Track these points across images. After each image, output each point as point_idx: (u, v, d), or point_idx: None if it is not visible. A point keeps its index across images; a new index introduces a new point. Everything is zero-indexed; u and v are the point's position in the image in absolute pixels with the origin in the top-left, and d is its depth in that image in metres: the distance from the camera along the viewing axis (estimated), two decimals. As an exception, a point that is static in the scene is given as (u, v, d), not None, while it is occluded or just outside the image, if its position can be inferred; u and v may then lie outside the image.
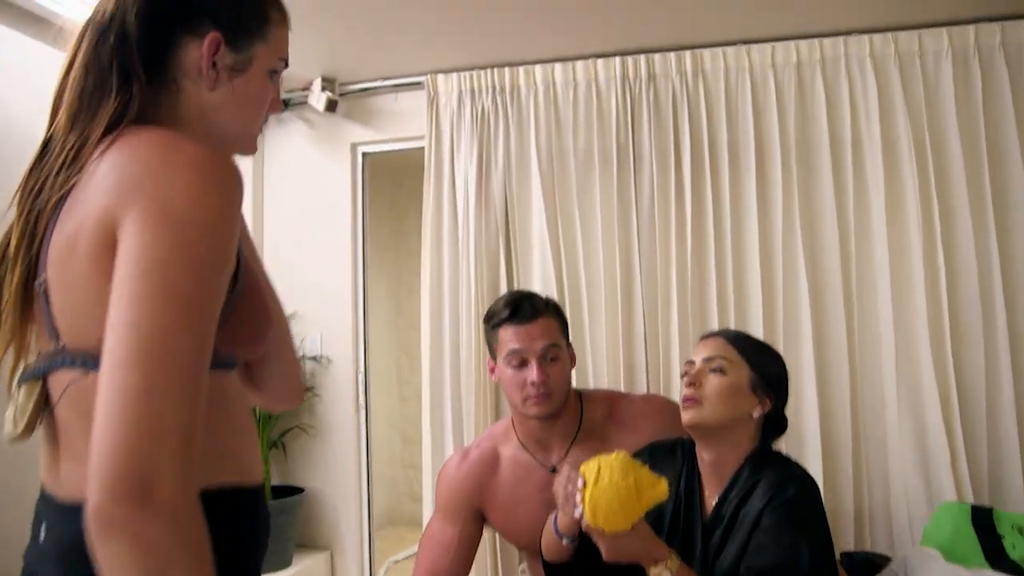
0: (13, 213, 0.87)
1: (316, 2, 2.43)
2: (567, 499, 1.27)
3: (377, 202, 4.38)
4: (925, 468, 2.56)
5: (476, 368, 2.87)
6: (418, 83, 3.03)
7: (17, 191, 0.87)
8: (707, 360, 1.43)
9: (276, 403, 1.13)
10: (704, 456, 1.42)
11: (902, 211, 2.61)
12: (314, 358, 3.24)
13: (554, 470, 1.70)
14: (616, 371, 2.79)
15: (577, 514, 1.24)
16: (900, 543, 2.57)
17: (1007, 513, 1.74)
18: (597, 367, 2.83)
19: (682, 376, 1.46)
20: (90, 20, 0.88)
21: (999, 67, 2.56)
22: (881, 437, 2.64)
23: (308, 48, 2.82)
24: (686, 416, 1.39)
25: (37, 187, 0.84)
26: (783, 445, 2.52)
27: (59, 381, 0.83)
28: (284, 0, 0.99)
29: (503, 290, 2.93)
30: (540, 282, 2.86)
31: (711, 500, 1.40)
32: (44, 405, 0.85)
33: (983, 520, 1.69)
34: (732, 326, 2.70)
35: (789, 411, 2.58)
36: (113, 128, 0.83)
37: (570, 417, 1.70)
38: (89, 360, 0.78)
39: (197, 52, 0.89)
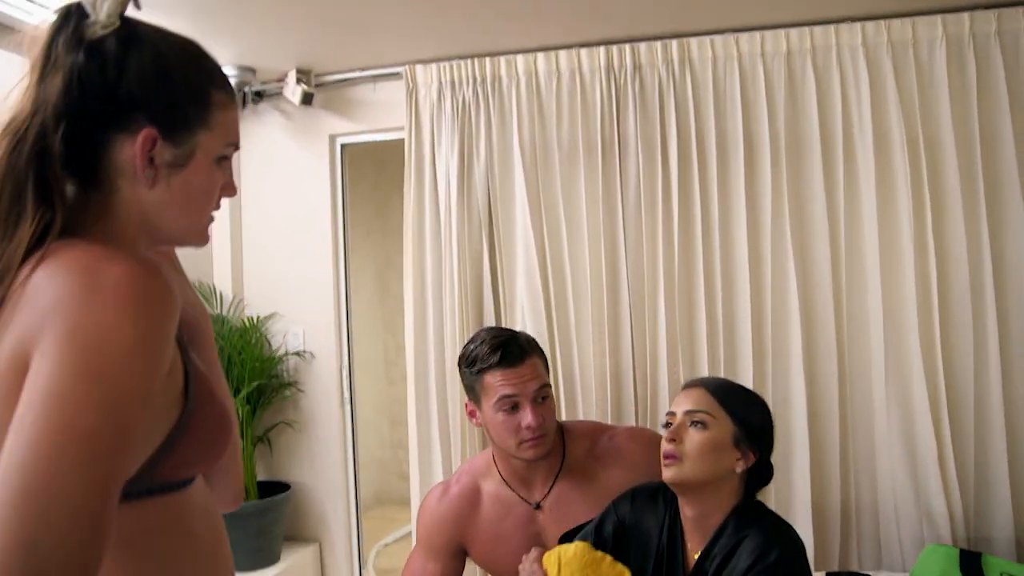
0: None
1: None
2: None
3: (361, 185, 4.32)
4: (913, 464, 2.55)
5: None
6: (396, 73, 2.94)
7: None
8: (688, 413, 1.39)
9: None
10: (686, 511, 1.39)
11: (893, 204, 2.56)
12: (297, 353, 3.20)
13: (538, 506, 1.67)
14: (602, 367, 2.76)
15: None
16: (886, 540, 2.59)
17: (996, 559, 1.72)
18: (583, 362, 2.80)
19: (664, 426, 1.42)
20: (6, 125, 0.80)
21: (994, 56, 2.48)
22: (869, 432, 2.63)
23: (282, 40, 2.73)
24: (667, 474, 1.36)
25: None
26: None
27: None
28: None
29: (487, 285, 2.89)
30: (524, 276, 2.82)
31: (693, 553, 1.38)
32: None
33: (971, 566, 1.67)
34: (719, 321, 2.68)
35: (779, 407, 2.62)
36: (38, 245, 0.76)
37: (553, 453, 1.67)
38: None
39: (131, 150, 0.81)
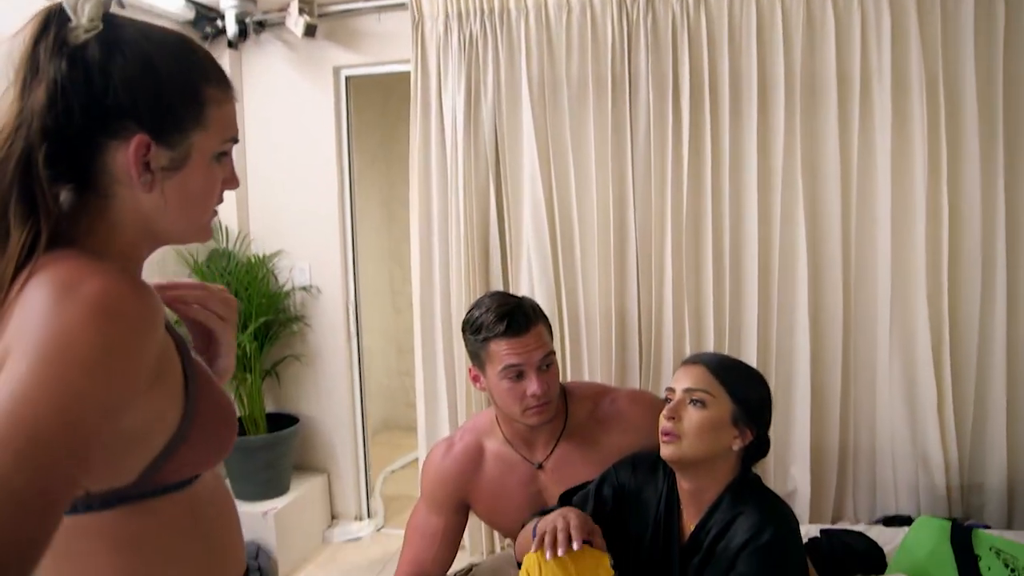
0: None
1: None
2: None
3: (367, 112, 4.24)
4: (912, 411, 2.58)
5: (464, 299, 2.84)
6: (402, 4, 2.84)
7: None
8: (687, 391, 1.38)
9: None
10: (683, 484, 1.41)
11: (908, 150, 2.50)
12: (304, 288, 3.22)
13: (540, 466, 1.70)
14: (607, 307, 2.77)
15: None
16: (882, 484, 2.63)
17: (986, 534, 1.74)
18: (588, 301, 2.80)
19: (663, 401, 1.43)
20: None
21: (1025, -2, 2.38)
22: (870, 379, 2.65)
23: (282, -32, 2.63)
24: (665, 451, 1.37)
25: None
26: (774, 381, 2.57)
27: None
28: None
29: (493, 223, 2.87)
30: (530, 214, 2.80)
31: (689, 525, 1.40)
32: None
33: (962, 539, 1.70)
34: (726, 263, 2.66)
35: (782, 352, 2.64)
36: (28, 259, 0.74)
37: (556, 415, 1.69)
38: None
39: (124, 157, 0.78)
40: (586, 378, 2.79)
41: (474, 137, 2.83)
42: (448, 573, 1.80)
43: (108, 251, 0.80)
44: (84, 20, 0.76)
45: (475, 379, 1.68)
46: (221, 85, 0.85)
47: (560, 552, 1.26)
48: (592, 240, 2.76)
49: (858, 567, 1.82)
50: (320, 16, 2.92)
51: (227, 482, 0.99)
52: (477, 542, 2.96)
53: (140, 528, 0.82)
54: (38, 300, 0.70)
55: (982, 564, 1.64)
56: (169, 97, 0.79)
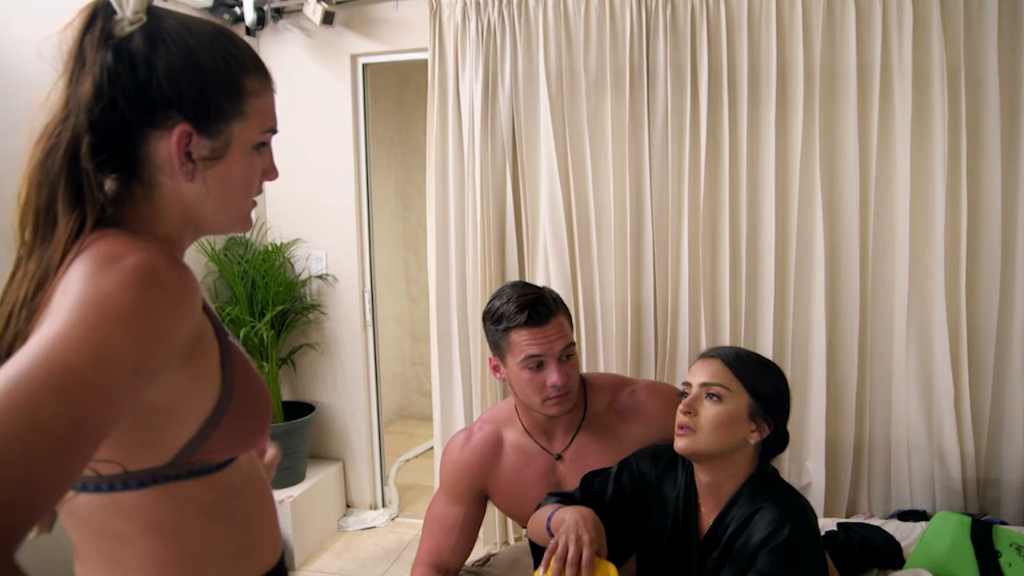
0: None
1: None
2: None
3: (383, 99, 4.24)
4: (928, 404, 2.57)
5: (481, 295, 2.86)
6: (419, -8, 2.84)
7: None
8: (704, 385, 1.38)
9: None
10: (701, 478, 1.41)
11: (928, 146, 2.48)
12: (320, 276, 3.23)
13: (559, 457, 1.70)
14: (623, 297, 2.77)
15: None
16: (897, 477, 2.63)
17: (1007, 530, 1.73)
18: (604, 292, 2.80)
19: (679, 395, 1.42)
20: (41, 131, 0.79)
21: (1050, -11, 2.35)
22: (887, 371, 2.64)
23: (300, -43, 2.63)
24: (680, 444, 1.36)
25: (4, 318, 0.78)
26: (789, 374, 2.57)
27: None
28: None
29: (509, 213, 2.87)
30: (547, 204, 2.79)
31: (707, 519, 1.40)
32: None
33: (982, 535, 1.69)
34: (743, 255, 2.66)
35: (798, 343, 2.63)
36: (74, 243, 0.76)
37: (575, 406, 1.69)
38: None
39: (167, 147, 0.80)
40: (601, 369, 2.79)
41: (491, 126, 2.82)
42: (466, 563, 1.81)
43: (151, 236, 0.82)
44: (129, 13, 0.78)
45: (495, 369, 1.69)
46: (260, 76, 0.86)
47: None
48: (609, 231, 2.76)
49: (875, 561, 1.82)
50: (338, 3, 2.92)
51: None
52: (491, 533, 2.98)
53: (175, 511, 0.83)
54: (81, 271, 0.72)
55: (1002, 560, 1.63)
56: (210, 88, 0.81)
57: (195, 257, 3.00)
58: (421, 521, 3.27)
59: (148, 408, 0.76)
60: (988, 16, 2.37)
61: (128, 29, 0.78)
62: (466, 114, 2.84)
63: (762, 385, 1.37)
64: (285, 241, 3.19)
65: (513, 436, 1.74)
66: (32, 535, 0.86)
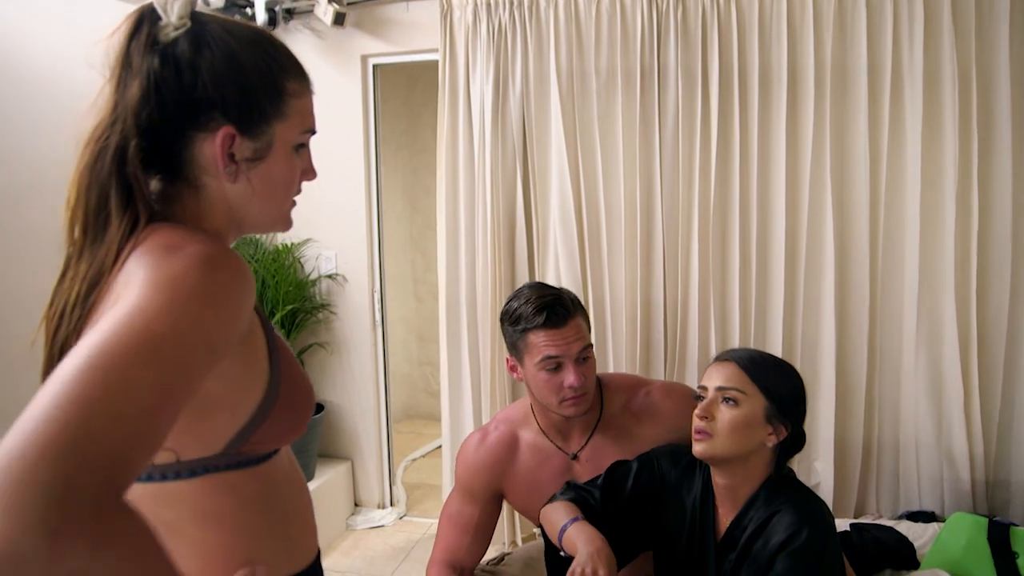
0: (42, 336, 0.85)
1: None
2: None
3: (392, 100, 4.25)
4: (937, 405, 2.57)
5: (491, 295, 2.86)
6: (431, -7, 2.84)
7: (43, 316, 0.85)
8: (720, 389, 1.38)
9: None
10: (718, 480, 1.41)
11: (939, 147, 2.48)
12: (330, 276, 3.24)
13: (574, 457, 1.71)
14: (633, 297, 2.78)
15: None
16: (905, 477, 2.63)
17: (1024, 531, 1.74)
18: (614, 292, 2.81)
19: (695, 399, 1.43)
20: (90, 134, 0.81)
21: (1062, -10, 2.36)
22: (896, 372, 2.64)
23: (313, -42, 2.64)
24: (697, 448, 1.37)
25: (57, 317, 0.81)
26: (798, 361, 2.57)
27: None
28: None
29: (520, 213, 2.88)
30: (558, 205, 2.80)
31: (724, 521, 1.41)
32: None
33: (999, 536, 1.69)
34: (753, 256, 2.66)
35: (807, 343, 2.63)
36: (128, 237, 0.78)
37: (591, 407, 1.69)
38: None
39: (211, 148, 0.82)
40: (611, 368, 2.80)
41: (502, 127, 2.83)
42: (481, 562, 1.82)
43: (200, 231, 0.84)
44: (174, 18, 0.80)
45: (512, 369, 1.69)
46: (299, 78, 0.88)
47: None
48: (619, 231, 2.77)
49: (889, 562, 1.83)
50: (349, 4, 2.93)
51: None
52: (499, 533, 2.97)
53: (223, 502, 0.85)
54: (144, 259, 0.75)
55: (1020, 561, 1.64)
56: (253, 90, 0.83)
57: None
58: (429, 520, 3.32)
59: (204, 396, 0.77)
60: (999, 17, 2.38)
61: (173, 34, 0.80)
62: (477, 115, 2.85)
63: (778, 387, 1.38)
64: (295, 241, 3.20)
65: (529, 436, 1.75)
66: None
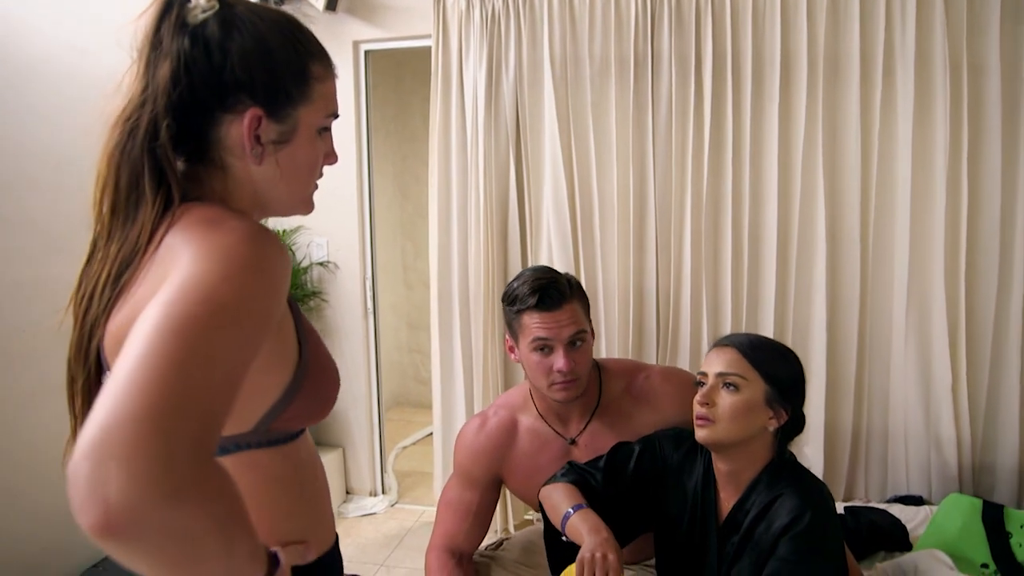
0: (70, 319, 0.85)
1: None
2: None
3: (381, 87, 4.22)
4: (926, 391, 2.60)
5: (483, 283, 2.87)
6: (423, -21, 2.83)
7: (71, 299, 0.85)
8: (720, 375, 1.39)
9: None
10: (720, 466, 1.42)
11: (929, 135, 2.50)
12: (321, 263, 3.22)
13: (573, 442, 1.72)
14: (626, 284, 2.79)
15: None
16: (893, 463, 2.66)
17: (1019, 512, 1.77)
18: (607, 279, 2.82)
19: (696, 385, 1.44)
20: (119, 114, 0.81)
21: (1052, -22, 2.38)
22: (885, 359, 2.67)
23: (305, -58, 2.61)
24: (699, 434, 1.38)
25: (86, 299, 0.81)
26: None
27: None
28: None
29: (513, 200, 2.88)
30: (551, 192, 2.80)
31: (726, 504, 1.42)
32: None
33: (993, 517, 1.72)
34: (745, 243, 2.68)
35: (799, 330, 2.65)
36: (161, 220, 0.79)
37: (589, 392, 1.70)
38: None
39: (238, 130, 0.82)
40: (603, 355, 2.81)
41: (495, 114, 2.83)
42: (480, 547, 1.83)
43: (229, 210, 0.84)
44: (203, 0, 0.80)
45: (510, 349, 1.70)
46: (324, 62, 0.89)
47: None
48: (612, 218, 2.77)
49: (883, 544, 1.85)
50: (341, -10, 2.90)
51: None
52: (492, 521, 2.98)
53: (252, 479, 0.85)
54: (188, 235, 0.75)
55: (1013, 541, 1.67)
56: (280, 73, 0.84)
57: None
58: (420, 508, 3.32)
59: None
60: (990, 5, 2.39)
61: (201, 16, 0.80)
62: (469, 101, 2.84)
63: (778, 372, 1.39)
64: (287, 228, 3.18)
65: (528, 421, 1.76)
66: None
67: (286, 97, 0.84)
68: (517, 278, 1.68)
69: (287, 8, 3.01)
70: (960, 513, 1.75)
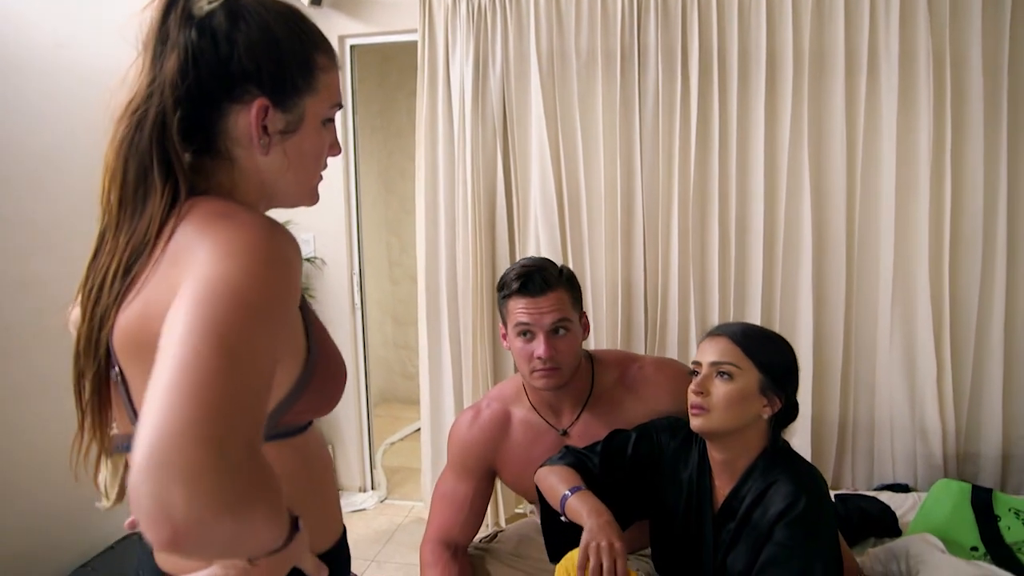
0: (77, 313, 0.85)
1: None
2: None
3: (366, 82, 4.21)
4: (911, 382, 2.64)
5: (471, 277, 2.87)
6: (410, -27, 2.82)
7: (78, 290, 0.85)
8: (714, 364, 1.40)
9: None
10: (715, 455, 1.44)
11: (913, 130, 2.54)
12: (308, 260, 3.21)
13: (565, 433, 1.73)
14: (614, 278, 2.80)
15: None
16: (880, 453, 2.70)
17: (1006, 496, 1.80)
18: (595, 273, 2.83)
19: (689, 374, 1.45)
20: (126, 107, 0.81)
21: (1032, -25, 2.41)
22: (871, 351, 2.70)
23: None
24: (695, 423, 1.39)
25: (95, 291, 0.81)
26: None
27: None
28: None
29: (500, 195, 2.89)
30: (539, 186, 2.81)
31: (721, 492, 1.43)
32: (127, 474, 0.87)
33: (982, 501, 1.75)
34: (732, 236, 2.70)
35: (785, 323, 2.68)
36: (170, 214, 0.79)
37: (581, 382, 1.71)
38: None
39: (245, 120, 0.82)
40: (592, 348, 2.82)
41: (482, 108, 2.83)
42: (474, 540, 1.83)
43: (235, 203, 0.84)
44: None
45: (504, 337, 1.72)
46: (328, 53, 0.89)
47: None
48: (599, 212, 2.78)
49: (873, 530, 1.88)
50: (326, -16, 2.89)
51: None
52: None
53: None
54: (202, 230, 0.75)
55: (1001, 524, 1.70)
56: (286, 63, 0.84)
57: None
58: (410, 503, 3.33)
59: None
60: (972, 1, 2.42)
61: (207, 7, 0.80)
62: (456, 96, 2.84)
63: (771, 359, 1.41)
64: (273, 224, 3.17)
65: (521, 413, 1.77)
66: (108, 505, 0.87)
67: (292, 87, 0.84)
68: (512, 266, 1.70)
69: (272, 3, 3.00)
70: (949, 498, 1.78)
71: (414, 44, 2.88)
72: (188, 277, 0.69)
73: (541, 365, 1.61)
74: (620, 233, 2.77)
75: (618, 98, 2.71)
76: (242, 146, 0.84)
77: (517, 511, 3.05)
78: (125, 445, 0.85)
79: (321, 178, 0.95)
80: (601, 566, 1.27)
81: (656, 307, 2.80)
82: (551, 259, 1.75)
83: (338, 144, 0.95)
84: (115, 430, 0.87)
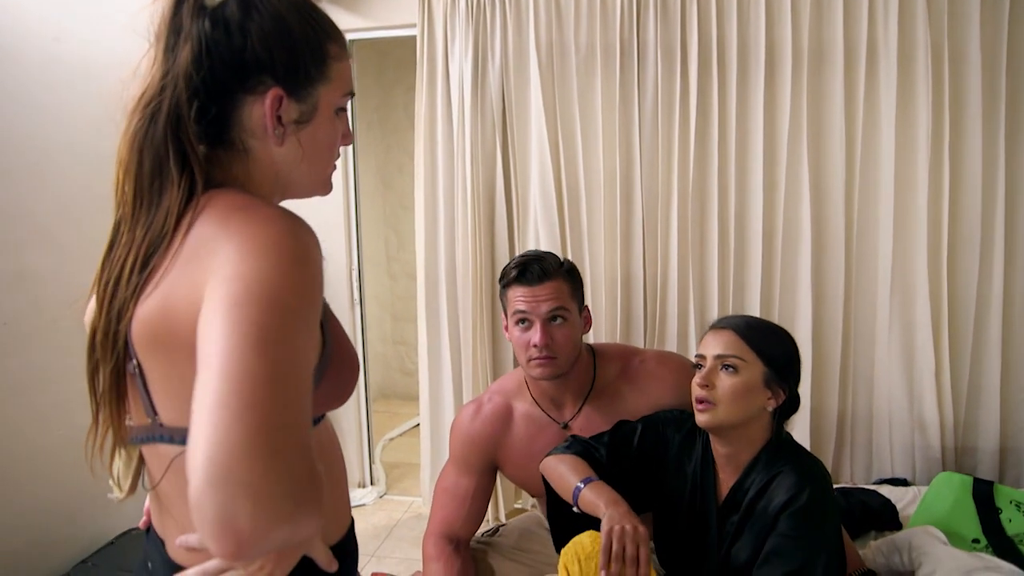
0: (93, 305, 0.85)
1: None
2: None
3: (363, 77, 4.20)
4: (910, 376, 2.65)
5: (471, 272, 2.87)
6: (408, -33, 2.81)
7: (94, 283, 0.84)
8: (719, 357, 1.40)
9: None
10: (719, 448, 1.44)
11: (912, 125, 2.54)
12: (307, 255, 3.20)
13: (566, 426, 1.73)
14: (613, 273, 2.80)
15: None
16: (878, 446, 2.70)
17: (1007, 488, 1.81)
18: (594, 267, 2.83)
19: (693, 367, 1.45)
20: (139, 99, 0.81)
21: (1030, -30, 2.41)
22: (870, 345, 2.71)
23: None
24: (700, 418, 1.39)
25: (112, 284, 0.80)
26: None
27: (156, 453, 0.84)
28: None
29: (499, 189, 2.88)
30: (538, 181, 2.81)
31: (725, 485, 1.43)
32: (141, 466, 0.89)
33: (983, 493, 1.76)
34: (731, 230, 2.70)
35: (784, 317, 2.68)
36: (186, 207, 0.78)
37: (583, 375, 1.71)
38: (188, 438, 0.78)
39: (260, 111, 0.82)
40: (592, 341, 2.82)
41: (481, 103, 2.82)
42: (476, 534, 1.84)
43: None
44: None
45: (505, 328, 1.73)
46: (340, 42, 0.89)
47: None
48: (599, 207, 2.78)
49: (874, 524, 1.88)
50: (325, -21, 2.88)
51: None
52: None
53: None
54: (226, 226, 0.75)
55: (1003, 516, 1.70)
56: (300, 52, 0.83)
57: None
58: (409, 499, 3.32)
59: None
60: (971, -5, 2.43)
61: None
62: (455, 91, 2.84)
63: (775, 352, 1.41)
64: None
65: (523, 406, 1.77)
66: (121, 496, 0.87)
67: (306, 76, 0.84)
68: (514, 257, 1.71)
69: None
70: (951, 490, 1.79)
71: (411, 39, 2.87)
72: (216, 276, 0.69)
73: (537, 353, 1.62)
74: (619, 227, 2.77)
75: (617, 92, 2.71)
76: (256, 137, 0.83)
77: (516, 506, 3.05)
78: (140, 437, 0.85)
79: (335, 167, 0.94)
80: (624, 550, 1.26)
81: (655, 300, 2.80)
82: (552, 252, 1.75)
83: (351, 133, 0.95)
84: (130, 421, 0.87)
